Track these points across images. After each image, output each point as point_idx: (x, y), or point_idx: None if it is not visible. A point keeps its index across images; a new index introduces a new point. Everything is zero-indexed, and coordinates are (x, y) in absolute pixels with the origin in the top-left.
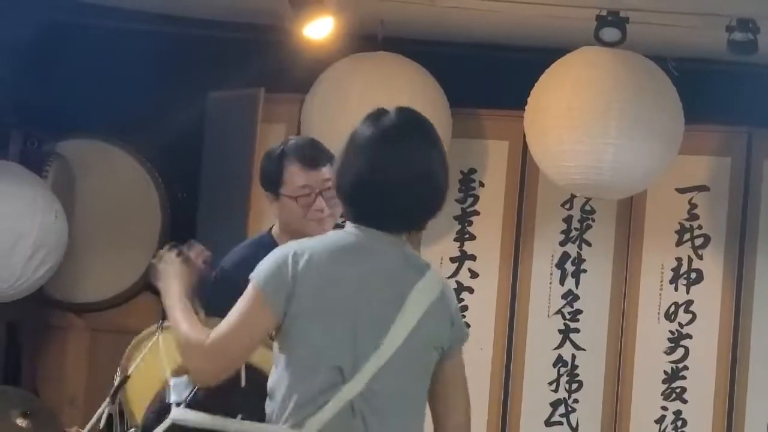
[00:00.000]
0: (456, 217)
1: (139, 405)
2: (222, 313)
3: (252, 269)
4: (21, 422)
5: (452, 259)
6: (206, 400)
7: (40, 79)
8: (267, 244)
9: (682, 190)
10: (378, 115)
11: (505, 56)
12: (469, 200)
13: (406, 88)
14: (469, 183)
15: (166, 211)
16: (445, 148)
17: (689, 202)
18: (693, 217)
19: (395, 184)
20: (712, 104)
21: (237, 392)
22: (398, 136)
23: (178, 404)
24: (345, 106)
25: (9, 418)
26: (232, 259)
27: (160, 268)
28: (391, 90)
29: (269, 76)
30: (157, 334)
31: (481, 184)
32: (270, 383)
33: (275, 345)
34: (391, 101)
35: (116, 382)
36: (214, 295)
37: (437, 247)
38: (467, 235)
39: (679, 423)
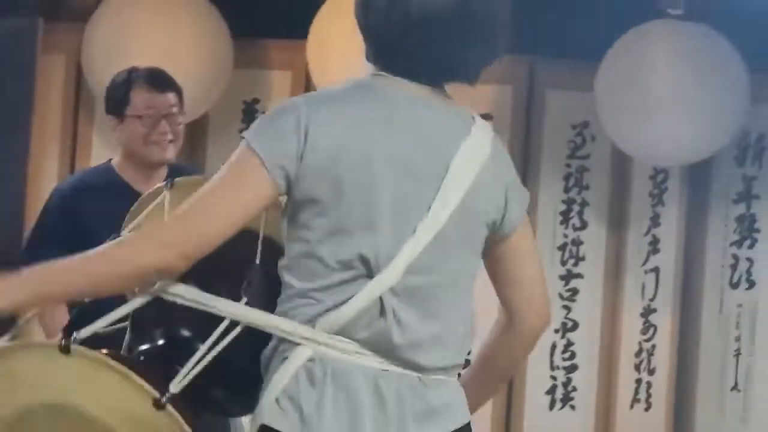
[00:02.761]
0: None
1: None
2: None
3: (92, 192)
4: None
5: None
6: (207, 271)
7: None
8: (107, 172)
9: None
10: None
11: None
12: None
13: (187, 17)
14: (252, 113)
15: None
16: (229, 79)
17: None
18: None
19: (429, 15)
20: None
21: (250, 270)
22: None
23: None
24: (126, 37)
25: None
26: (69, 181)
27: None
28: (173, 19)
29: (47, 4)
30: (164, 193)
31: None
32: (281, 269)
33: (283, 225)
34: (172, 31)
35: None
36: (47, 218)
37: None
38: None
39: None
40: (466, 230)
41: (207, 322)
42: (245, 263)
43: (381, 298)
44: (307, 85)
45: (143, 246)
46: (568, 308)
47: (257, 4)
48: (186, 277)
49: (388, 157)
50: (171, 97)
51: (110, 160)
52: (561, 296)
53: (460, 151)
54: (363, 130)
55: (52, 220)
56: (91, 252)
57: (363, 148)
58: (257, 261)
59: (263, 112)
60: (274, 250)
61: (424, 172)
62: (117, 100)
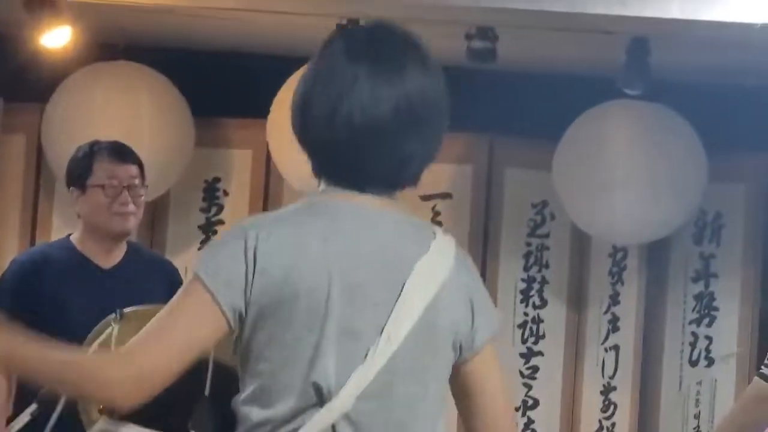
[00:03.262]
0: (200, 227)
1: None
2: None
3: (50, 264)
4: None
5: None
6: (150, 405)
7: None
8: (66, 247)
9: (425, 197)
10: (345, 35)
11: (249, 64)
12: (214, 209)
13: (147, 97)
14: (213, 192)
15: None
16: (189, 158)
17: (432, 209)
18: (436, 224)
19: (372, 120)
20: (453, 111)
21: (198, 402)
22: (372, 58)
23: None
24: (86, 116)
25: None
26: (27, 253)
27: None
28: (133, 99)
29: (6, 85)
30: (111, 326)
31: (225, 193)
32: (236, 403)
33: (237, 359)
34: (133, 111)
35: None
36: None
37: (185, 256)
38: None
39: None
40: (426, 352)
41: None
42: (192, 394)
43: (333, 427)
44: (267, 164)
45: (109, 374)
46: (528, 386)
47: (217, 83)
48: (127, 415)
49: (339, 280)
50: (133, 168)
51: (69, 235)
52: (522, 374)
53: (415, 271)
54: (312, 254)
55: (5, 294)
56: (69, 355)
57: (312, 273)
58: (206, 392)
59: (224, 191)
60: (222, 375)
61: (377, 294)
62: (79, 171)
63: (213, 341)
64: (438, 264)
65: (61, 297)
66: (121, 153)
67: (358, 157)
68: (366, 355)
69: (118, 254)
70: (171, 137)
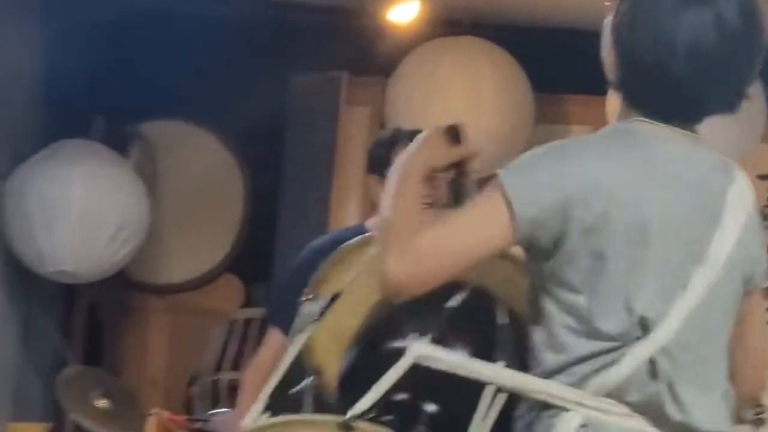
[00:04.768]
0: None
1: (328, 347)
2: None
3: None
4: (102, 403)
5: None
6: (452, 334)
7: (125, 62)
8: (358, 232)
9: (762, 177)
10: None
11: (592, 41)
12: None
13: (490, 72)
14: None
15: (249, 194)
16: (530, 134)
17: None
18: None
19: (695, 44)
20: None
21: (495, 329)
22: None
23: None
24: (429, 90)
25: (90, 399)
26: (320, 240)
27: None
28: (476, 74)
29: (353, 60)
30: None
31: None
32: (537, 332)
33: (535, 286)
34: (475, 86)
35: (311, 302)
36: (288, 276)
37: None
38: None
39: None
40: (731, 284)
41: (459, 386)
42: (484, 322)
43: (652, 359)
44: None
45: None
46: None
47: (559, 60)
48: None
49: (658, 212)
50: None
51: (363, 221)
52: None
53: (729, 201)
54: (631, 184)
55: (294, 277)
56: (408, 217)
57: (631, 204)
58: (504, 320)
59: None
60: (497, 304)
61: (695, 225)
62: (379, 159)
63: (499, 248)
64: (745, 194)
65: None
66: None
67: (694, 86)
68: (686, 286)
69: None
70: (512, 113)
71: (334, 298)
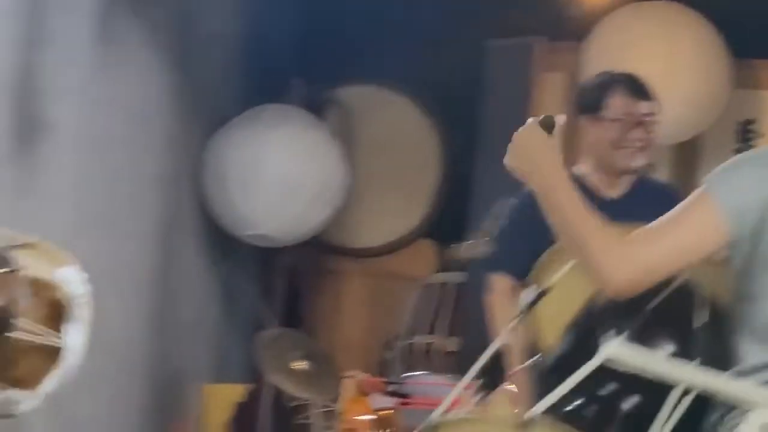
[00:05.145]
0: None
1: (553, 326)
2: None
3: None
4: (300, 365)
5: None
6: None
7: (322, 28)
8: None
9: None
10: None
11: None
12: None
13: (686, 37)
14: (746, 134)
15: (444, 159)
16: (726, 99)
17: None
18: None
19: None
20: None
21: (693, 328)
22: None
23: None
24: (624, 55)
25: (288, 361)
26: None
27: (517, 140)
28: (672, 39)
29: (549, 24)
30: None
31: (759, 135)
32: (737, 332)
33: (739, 282)
34: (672, 50)
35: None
36: (513, 221)
37: None
38: None
39: None
40: None
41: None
42: (683, 321)
43: None
44: None
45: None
46: None
47: (757, 24)
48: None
49: None
50: (648, 105)
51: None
52: None
53: None
54: None
55: (516, 225)
56: (592, 221)
57: None
58: (703, 319)
59: (758, 132)
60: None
61: None
62: (592, 101)
63: (710, 252)
64: None
65: None
66: (639, 88)
67: None
68: None
69: (624, 188)
70: (708, 78)
71: (544, 291)
